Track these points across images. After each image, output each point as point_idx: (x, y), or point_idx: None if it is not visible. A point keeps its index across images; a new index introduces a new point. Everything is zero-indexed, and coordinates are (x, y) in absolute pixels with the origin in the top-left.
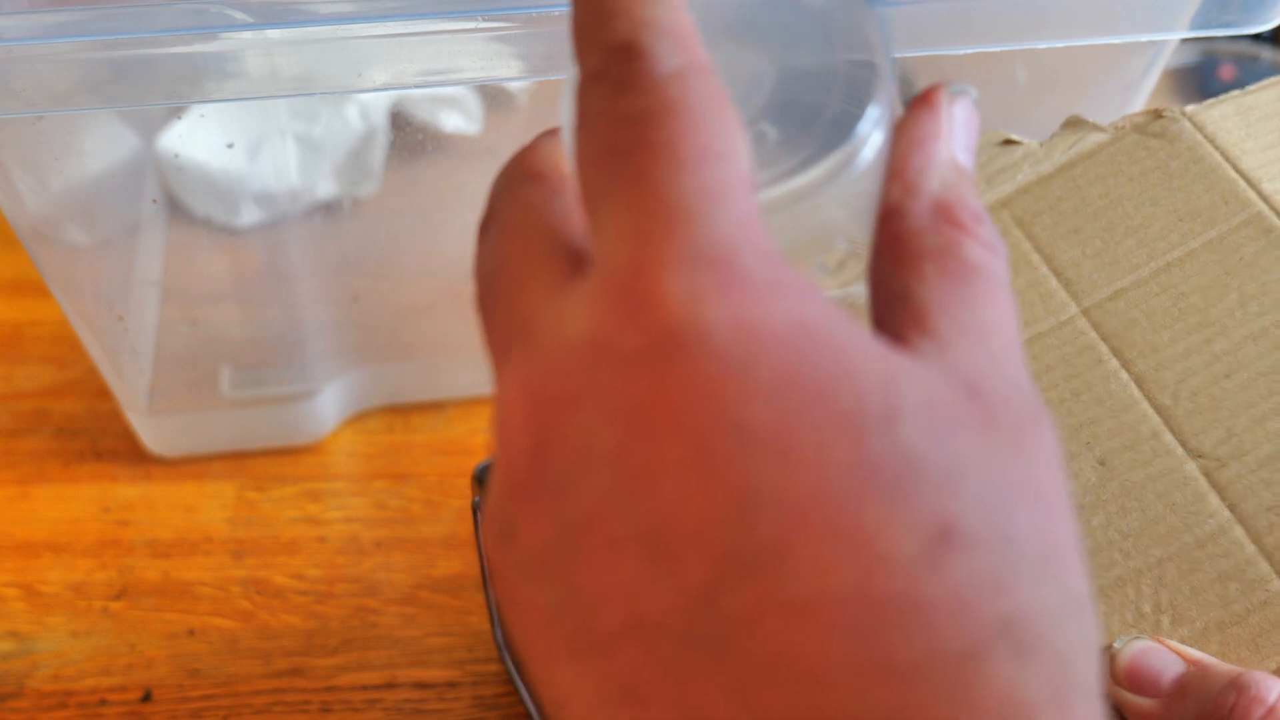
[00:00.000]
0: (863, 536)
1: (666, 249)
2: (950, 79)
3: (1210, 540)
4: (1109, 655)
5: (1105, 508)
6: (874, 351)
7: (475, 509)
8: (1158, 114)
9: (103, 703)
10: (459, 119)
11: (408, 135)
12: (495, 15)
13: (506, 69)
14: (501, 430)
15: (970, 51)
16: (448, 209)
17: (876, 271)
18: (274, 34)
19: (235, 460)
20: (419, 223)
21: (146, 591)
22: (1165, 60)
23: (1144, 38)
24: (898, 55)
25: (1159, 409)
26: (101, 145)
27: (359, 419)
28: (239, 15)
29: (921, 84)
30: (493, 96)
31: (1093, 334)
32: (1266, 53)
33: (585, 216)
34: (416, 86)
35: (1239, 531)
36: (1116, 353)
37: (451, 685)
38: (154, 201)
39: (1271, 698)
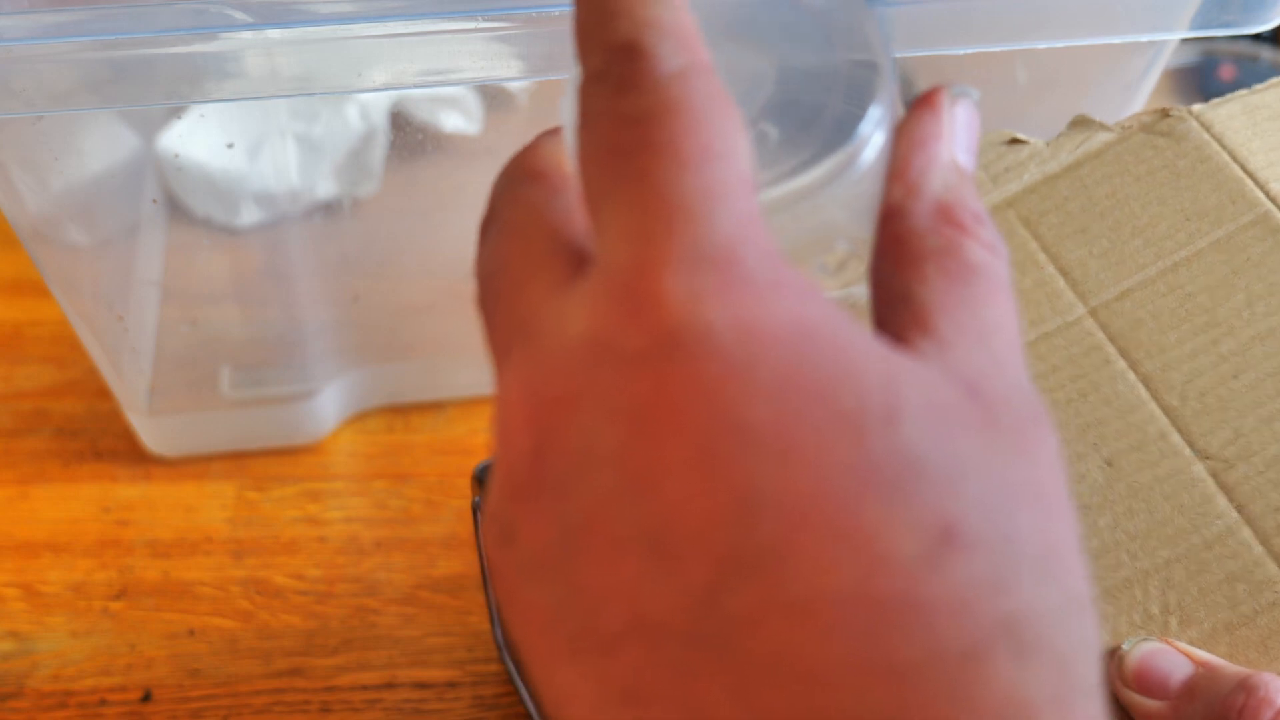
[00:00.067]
0: (863, 536)
1: (668, 249)
2: (951, 79)
3: (1218, 541)
4: (1117, 657)
5: (1113, 509)
6: (875, 352)
7: (475, 509)
8: (1165, 113)
9: (103, 703)
10: (459, 119)
11: (408, 135)
12: (495, 15)
13: (506, 69)
14: (502, 430)
15: (970, 51)
16: (448, 209)
17: (877, 272)
18: (274, 34)
19: (235, 460)
20: (419, 223)
21: (146, 591)
22: (1165, 60)
23: (1144, 38)
24: (898, 55)
25: (1166, 409)
26: (101, 145)
27: (359, 419)
28: (239, 15)
29: (922, 84)
30: (493, 96)
31: (1100, 334)
32: (1266, 53)
33: (587, 216)
34: (416, 86)
35: (1247, 533)
36: (1124, 353)
37: (451, 685)
38: (154, 201)
39: None
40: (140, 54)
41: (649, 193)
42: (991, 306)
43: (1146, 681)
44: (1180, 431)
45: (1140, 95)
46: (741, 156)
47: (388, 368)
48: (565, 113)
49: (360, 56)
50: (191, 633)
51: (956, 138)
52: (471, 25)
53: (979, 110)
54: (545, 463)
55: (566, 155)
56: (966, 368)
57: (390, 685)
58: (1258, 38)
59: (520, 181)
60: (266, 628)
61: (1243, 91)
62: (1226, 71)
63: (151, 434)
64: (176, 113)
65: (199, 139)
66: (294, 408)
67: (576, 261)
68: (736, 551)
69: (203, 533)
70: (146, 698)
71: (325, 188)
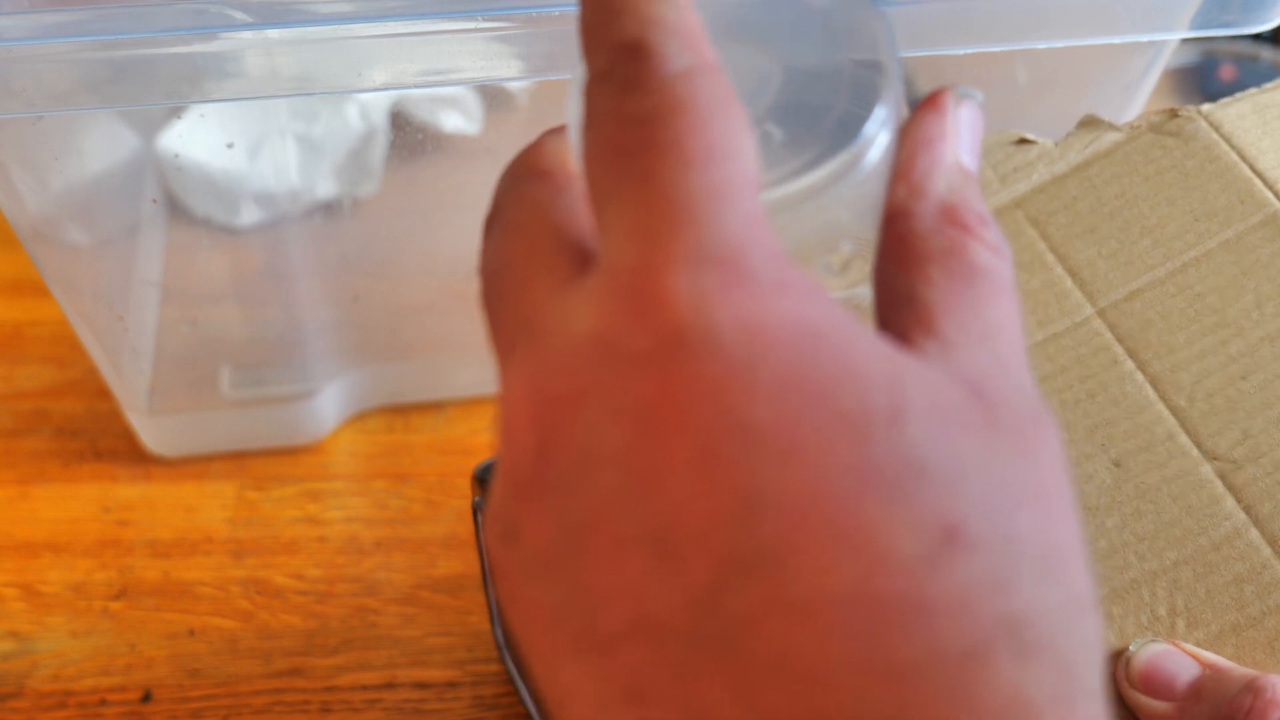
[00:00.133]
0: (864, 536)
1: (673, 248)
2: (951, 79)
3: (1226, 543)
4: (1124, 658)
5: (1120, 510)
6: (878, 352)
7: (475, 509)
8: (1173, 113)
9: (103, 703)
10: (459, 119)
11: (408, 135)
12: (495, 15)
13: (506, 69)
14: (506, 429)
15: (970, 51)
16: (448, 209)
17: (881, 272)
18: (274, 34)
19: (235, 460)
20: (419, 223)
21: (146, 591)
22: (1165, 60)
23: (1144, 38)
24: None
25: (1175, 410)
26: (101, 145)
27: (359, 419)
28: (239, 15)
29: (922, 84)
30: (493, 96)
31: (1108, 335)
32: (1266, 53)
33: (591, 215)
34: (416, 86)
35: (1255, 534)
36: (1132, 354)
37: (451, 685)
38: (154, 201)
39: None
40: (140, 54)
41: (654, 192)
42: (995, 308)
43: (1153, 683)
44: (1188, 432)
45: (1140, 95)
46: (746, 156)
47: (388, 368)
48: (570, 111)
49: (360, 56)
50: (191, 633)
51: (961, 139)
52: (471, 25)
53: (983, 112)
54: (549, 461)
55: (571, 154)
56: (970, 369)
57: (390, 685)
58: (1258, 38)
59: (525, 180)
60: (266, 628)
61: (1252, 91)
62: (1226, 71)
63: (151, 434)
64: (176, 113)
65: (199, 139)
66: (294, 408)
67: (581, 260)
68: (738, 551)
69: (203, 533)
70: (146, 698)
71: (325, 188)
